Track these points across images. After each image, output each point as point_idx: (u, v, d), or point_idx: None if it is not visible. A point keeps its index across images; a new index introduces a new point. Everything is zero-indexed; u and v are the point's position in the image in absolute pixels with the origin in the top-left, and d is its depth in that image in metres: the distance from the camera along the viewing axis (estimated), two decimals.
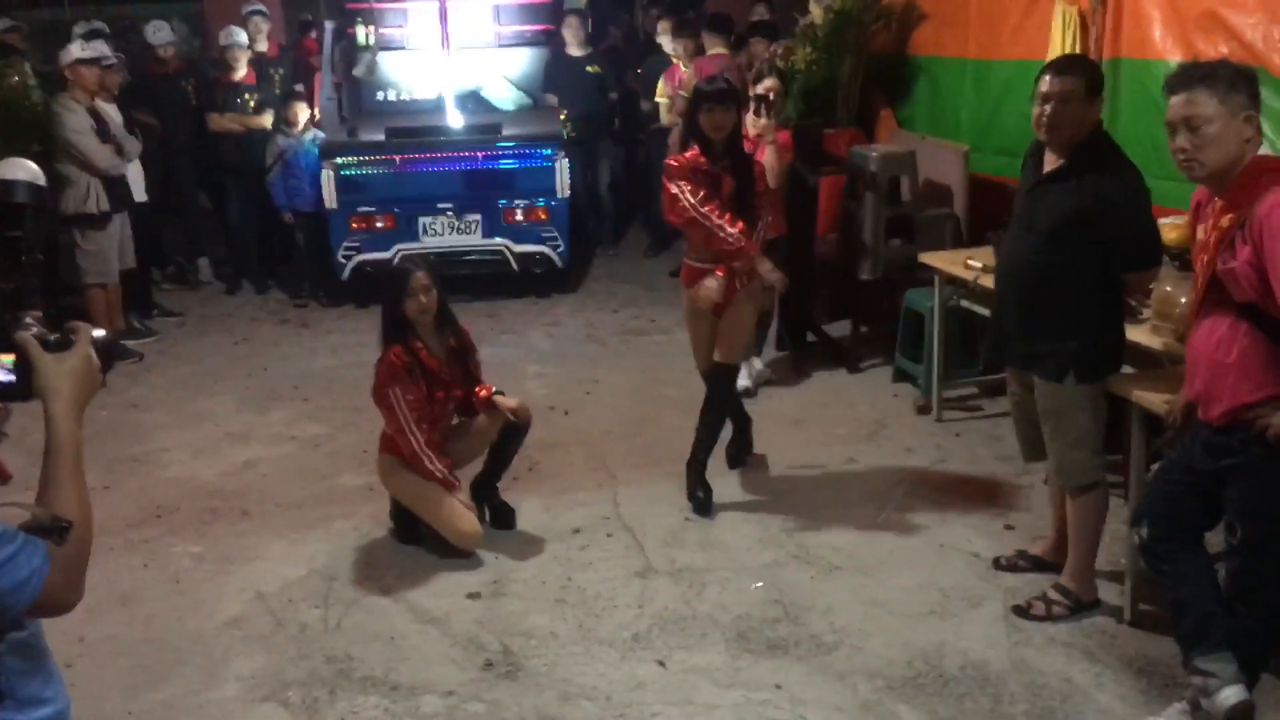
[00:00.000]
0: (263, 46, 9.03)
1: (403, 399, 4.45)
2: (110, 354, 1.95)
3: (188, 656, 3.95)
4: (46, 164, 6.73)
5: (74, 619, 3.90)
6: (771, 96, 5.73)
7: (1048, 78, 3.65)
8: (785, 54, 7.31)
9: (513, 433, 4.78)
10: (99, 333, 1.92)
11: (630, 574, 4.37)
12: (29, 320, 1.89)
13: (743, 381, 5.76)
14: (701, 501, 4.88)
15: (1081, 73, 3.67)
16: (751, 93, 5.86)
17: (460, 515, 4.55)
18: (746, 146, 5.11)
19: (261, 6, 9.22)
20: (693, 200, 4.66)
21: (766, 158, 5.50)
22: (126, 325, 7.53)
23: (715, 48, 8.20)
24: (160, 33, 8.64)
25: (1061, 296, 3.69)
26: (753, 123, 5.56)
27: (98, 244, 7.12)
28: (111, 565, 4.51)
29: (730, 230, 4.66)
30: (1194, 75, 3.02)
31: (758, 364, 6.29)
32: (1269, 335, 2.93)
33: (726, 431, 5.19)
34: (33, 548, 1.72)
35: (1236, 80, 2.98)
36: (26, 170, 1.98)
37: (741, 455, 5.31)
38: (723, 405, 5.07)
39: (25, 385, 1.83)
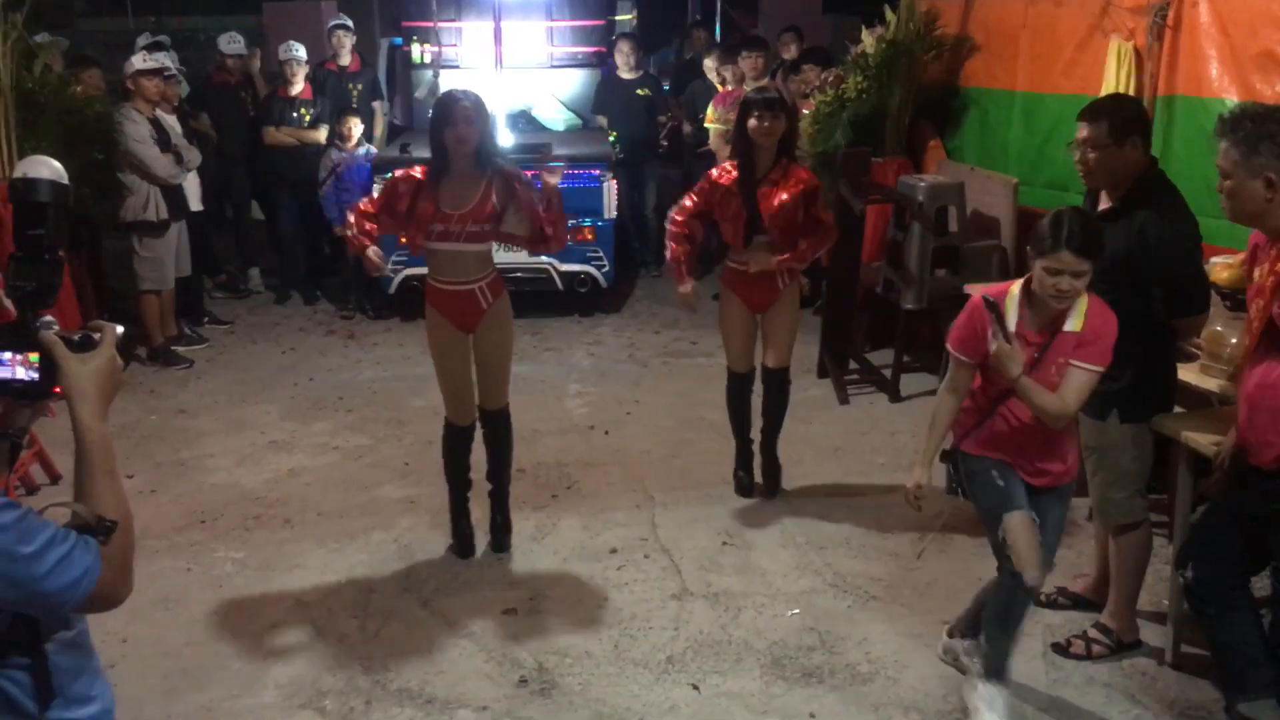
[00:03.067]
0: (345, 60, 9.15)
1: (388, 189, 4.42)
2: (125, 352, 1.94)
3: (228, 661, 4.00)
4: (108, 172, 6.90)
5: (117, 620, 3.95)
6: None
7: (1079, 123, 3.62)
8: (836, 81, 7.33)
9: (496, 430, 4.70)
10: (120, 330, 1.92)
11: (666, 596, 4.38)
12: (48, 319, 1.90)
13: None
14: (743, 481, 5.21)
15: (1106, 117, 3.58)
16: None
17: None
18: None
19: (346, 20, 9.34)
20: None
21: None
22: (178, 331, 7.67)
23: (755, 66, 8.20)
24: (234, 44, 8.86)
25: None
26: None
27: (155, 251, 7.28)
28: (155, 568, 4.58)
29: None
30: (1226, 125, 3.01)
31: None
32: None
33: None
34: (84, 546, 1.74)
35: (1260, 140, 2.92)
36: (50, 168, 1.97)
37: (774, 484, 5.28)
38: (784, 404, 5.19)
39: (49, 384, 1.84)
